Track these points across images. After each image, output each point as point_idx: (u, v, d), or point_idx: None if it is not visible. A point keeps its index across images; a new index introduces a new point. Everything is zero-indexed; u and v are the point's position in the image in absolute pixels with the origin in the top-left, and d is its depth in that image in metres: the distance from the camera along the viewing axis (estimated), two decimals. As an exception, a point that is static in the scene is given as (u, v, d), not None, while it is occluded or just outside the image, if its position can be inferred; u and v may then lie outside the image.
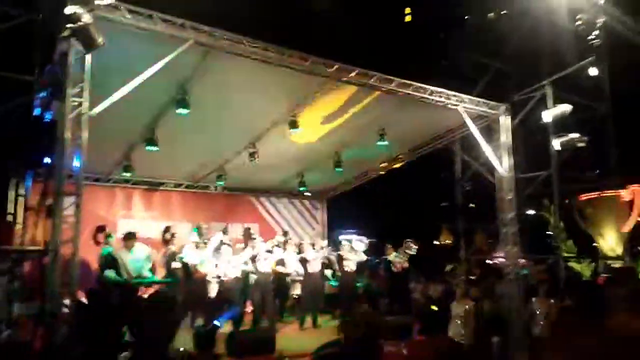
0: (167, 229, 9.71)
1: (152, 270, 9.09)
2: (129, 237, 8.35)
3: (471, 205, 13.87)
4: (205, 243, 9.17)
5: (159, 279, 9.05)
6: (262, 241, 9.94)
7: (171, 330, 3.55)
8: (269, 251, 9.85)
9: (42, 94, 6.27)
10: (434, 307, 9.35)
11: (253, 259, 9.40)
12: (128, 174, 10.61)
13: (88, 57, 5.59)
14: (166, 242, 9.46)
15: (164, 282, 8.95)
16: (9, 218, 7.59)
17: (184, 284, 8.55)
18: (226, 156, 10.77)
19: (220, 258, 8.93)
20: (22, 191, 7.67)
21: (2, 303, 5.89)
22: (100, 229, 8.79)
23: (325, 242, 12.22)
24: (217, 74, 7.33)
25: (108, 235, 8.64)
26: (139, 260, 8.25)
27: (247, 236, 10.19)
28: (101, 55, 5.69)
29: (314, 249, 10.58)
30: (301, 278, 10.21)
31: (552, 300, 8.01)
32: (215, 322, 6.93)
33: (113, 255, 8.00)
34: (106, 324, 5.63)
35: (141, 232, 10.97)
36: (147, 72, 6.11)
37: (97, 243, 8.61)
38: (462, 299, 7.83)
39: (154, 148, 8.90)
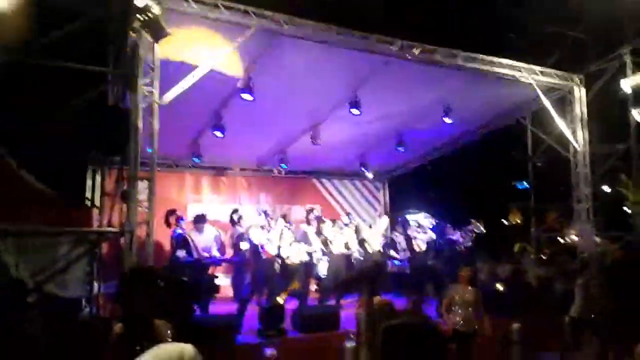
0: (234, 212, 9.98)
1: (221, 250, 9.43)
2: (200, 220, 8.67)
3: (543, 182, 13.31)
4: (270, 225, 9.36)
5: (228, 258, 9.35)
6: (331, 224, 10.04)
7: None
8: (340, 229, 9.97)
9: (116, 85, 6.59)
10: (499, 286, 9.13)
11: (325, 242, 9.53)
12: (197, 160, 10.98)
13: (157, 48, 5.80)
14: (234, 223, 9.74)
15: (231, 261, 9.24)
16: (88, 203, 8.10)
17: (252, 264, 8.76)
18: (289, 140, 10.89)
19: (283, 242, 9.10)
20: (99, 178, 8.14)
21: (83, 282, 6.28)
22: (172, 212, 9.15)
23: (386, 222, 12.12)
24: (280, 59, 7.40)
25: (179, 218, 9.00)
26: (208, 240, 8.56)
27: (318, 220, 10.28)
28: (170, 45, 5.90)
29: (371, 229, 10.58)
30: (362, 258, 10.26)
31: None
32: (278, 299, 7.13)
33: (184, 237, 8.35)
34: (178, 301, 5.90)
35: (209, 214, 11.38)
36: (214, 60, 6.28)
37: (169, 225, 8.99)
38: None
39: (221, 134, 9.14)
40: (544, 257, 13.77)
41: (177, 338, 2.36)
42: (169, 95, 6.04)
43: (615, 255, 11.42)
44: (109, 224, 6.58)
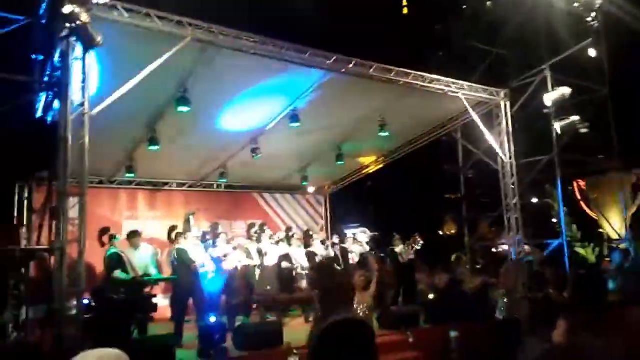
0: (172, 229, 9.71)
1: (159, 269, 9.12)
2: (134, 235, 8.36)
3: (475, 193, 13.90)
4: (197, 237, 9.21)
5: (165, 277, 9.07)
6: (270, 236, 10.00)
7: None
8: (276, 244, 9.90)
9: (43, 96, 6.30)
10: (431, 295, 9.41)
11: (260, 253, 9.44)
12: (131, 175, 10.64)
13: (88, 57, 5.61)
14: (172, 241, 9.46)
15: (170, 280, 8.97)
16: (15, 222, 7.65)
17: (191, 282, 8.52)
18: (228, 154, 10.79)
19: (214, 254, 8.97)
20: (26, 194, 7.71)
21: (10, 307, 5.90)
22: (105, 230, 8.79)
23: (337, 239, 12.24)
24: (216, 71, 7.35)
25: (113, 237, 8.65)
26: (144, 258, 8.27)
27: (260, 229, 10.20)
28: (100, 55, 5.72)
29: (323, 245, 10.61)
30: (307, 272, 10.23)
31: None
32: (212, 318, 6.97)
33: (119, 254, 8.02)
34: (114, 322, 5.66)
35: (146, 232, 11.02)
36: (146, 71, 6.13)
37: (102, 244, 8.62)
38: None
39: (156, 148, 8.92)
40: (478, 266, 14.31)
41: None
42: (100, 107, 5.82)
43: (542, 261, 12.08)
44: (38, 243, 6.23)
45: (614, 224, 12.40)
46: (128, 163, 10.28)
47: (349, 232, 11.86)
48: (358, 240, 11.00)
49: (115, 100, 6.00)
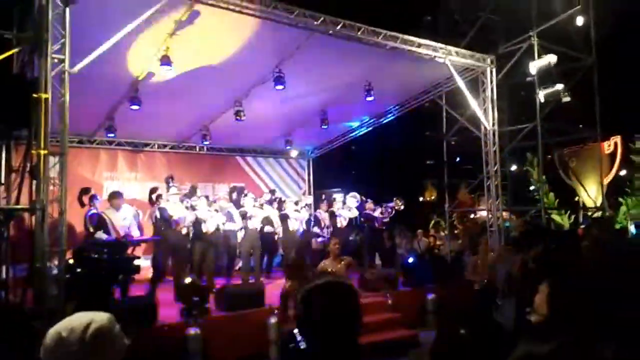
0: (153, 190, 9.63)
1: (141, 230, 9.08)
2: (115, 196, 8.26)
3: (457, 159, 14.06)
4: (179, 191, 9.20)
5: (148, 238, 9.06)
6: (254, 199, 10.02)
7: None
8: (259, 207, 9.94)
9: (23, 52, 6.07)
10: (413, 260, 9.62)
11: (244, 216, 9.47)
12: (112, 135, 10.47)
13: (68, 12, 5.41)
14: (153, 203, 9.41)
15: (152, 241, 8.96)
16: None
17: (165, 237, 8.51)
18: (212, 115, 10.64)
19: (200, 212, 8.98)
20: (4, 153, 7.51)
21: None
22: (85, 190, 8.68)
23: (310, 200, 12.30)
24: (200, 28, 7.14)
25: (94, 197, 8.55)
26: (126, 219, 8.21)
27: (239, 193, 10.21)
28: (82, 11, 5.52)
29: (297, 206, 10.66)
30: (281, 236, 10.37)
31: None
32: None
33: (100, 216, 7.95)
34: (96, 282, 5.66)
35: (126, 193, 10.92)
36: (128, 28, 5.96)
37: (82, 205, 8.53)
38: None
39: (137, 107, 8.76)
40: (456, 232, 14.62)
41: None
42: (82, 64, 5.65)
43: (520, 228, 12.37)
44: (17, 203, 6.13)
45: (590, 192, 12.68)
46: (109, 122, 10.09)
47: (338, 197, 11.92)
48: (347, 204, 11.07)
49: (97, 58, 5.83)
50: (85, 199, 8.55)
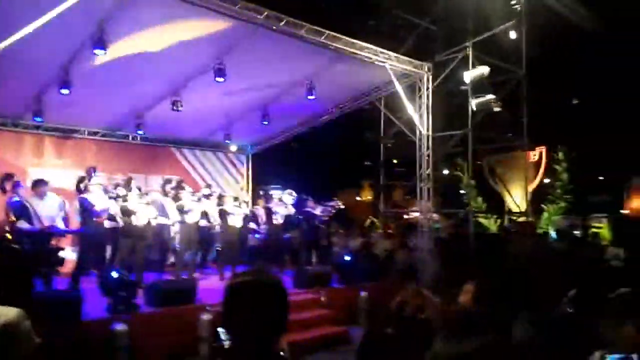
0: (81, 179, 9.20)
1: (66, 220, 8.65)
2: (39, 184, 7.81)
3: (393, 161, 14.40)
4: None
5: (72, 230, 8.65)
6: (191, 192, 9.80)
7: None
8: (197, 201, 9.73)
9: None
10: (347, 258, 9.79)
11: (181, 210, 9.22)
12: (39, 119, 9.89)
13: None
14: (80, 192, 8.99)
15: (76, 232, 8.57)
16: None
17: (88, 229, 8.18)
18: (147, 104, 10.30)
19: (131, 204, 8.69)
20: None
21: None
22: (8, 176, 8.18)
23: (249, 197, 12.22)
24: (138, 13, 6.92)
25: (17, 184, 8.07)
26: (51, 209, 7.79)
27: (177, 187, 9.92)
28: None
29: (235, 202, 10.54)
30: (220, 231, 10.21)
31: None
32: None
33: (23, 204, 7.50)
34: (17, 274, 5.36)
35: (53, 181, 10.37)
36: (60, 7, 5.67)
37: (4, 191, 8.03)
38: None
39: (67, 91, 8.34)
40: (389, 232, 15.00)
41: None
42: (5, 42, 5.32)
43: (449, 229, 12.88)
44: None
45: (516, 198, 13.40)
46: (36, 106, 9.53)
47: (275, 193, 11.87)
48: (284, 201, 11.06)
49: (25, 37, 5.51)
50: (8, 185, 8.06)
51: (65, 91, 8.36)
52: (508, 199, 13.92)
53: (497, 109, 10.49)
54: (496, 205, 15.33)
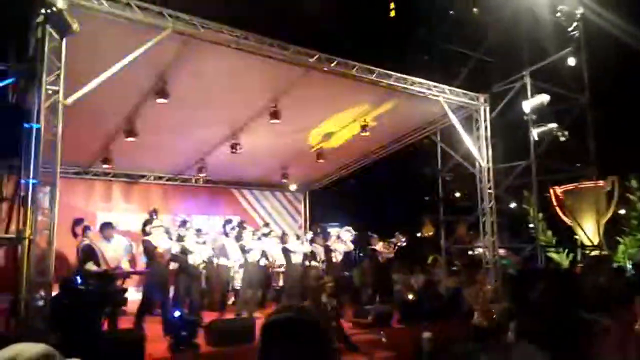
0: (146, 222, 9.59)
1: (132, 262, 9.01)
2: (106, 227, 8.25)
3: (455, 195, 14.03)
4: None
5: (137, 270, 8.97)
6: (252, 232, 9.97)
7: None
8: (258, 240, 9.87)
9: (17, 82, 6.16)
10: (411, 296, 9.47)
11: (243, 249, 9.39)
12: (107, 167, 10.50)
13: (64, 45, 5.51)
14: (145, 234, 9.35)
15: (140, 273, 8.87)
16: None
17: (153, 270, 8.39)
18: (208, 148, 10.69)
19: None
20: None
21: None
22: (78, 221, 8.66)
23: (310, 236, 12.22)
24: (196, 64, 7.27)
25: (86, 228, 8.52)
26: (117, 250, 8.16)
27: (240, 227, 10.12)
28: (78, 43, 5.62)
29: (298, 240, 10.58)
30: (284, 270, 10.23)
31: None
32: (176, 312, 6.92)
33: (91, 246, 7.91)
34: (81, 314, 5.57)
35: (121, 225, 10.91)
36: (124, 61, 6.04)
37: (75, 235, 8.49)
38: None
39: (133, 139, 8.81)
40: (454, 268, 14.45)
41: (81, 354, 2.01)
42: (75, 96, 5.72)
43: (518, 265, 12.23)
44: (7, 232, 6.09)
45: (588, 231, 12.59)
46: (104, 154, 10.14)
47: (333, 230, 11.85)
48: (342, 238, 11.00)
49: (92, 90, 5.90)
50: (79, 230, 8.51)
51: (131, 139, 8.83)
52: (579, 232, 13.11)
53: (562, 139, 10.06)
54: (567, 238, 14.47)
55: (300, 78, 8.03)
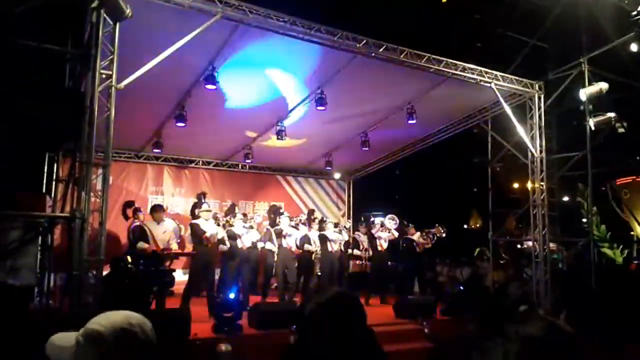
0: (195, 206, 9.81)
1: (181, 244, 9.26)
2: (156, 210, 8.48)
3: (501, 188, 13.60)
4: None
5: (183, 252, 9.19)
6: (289, 217, 10.04)
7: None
8: (294, 227, 9.93)
9: (73, 67, 6.38)
10: (454, 289, 9.33)
11: (279, 234, 9.49)
12: (158, 151, 10.80)
13: (117, 30, 5.65)
14: (195, 217, 9.57)
15: (188, 255, 9.08)
16: (44, 191, 7.80)
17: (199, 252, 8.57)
18: (254, 134, 10.81)
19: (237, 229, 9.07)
20: (54, 164, 7.86)
21: (34, 270, 6.07)
22: (129, 203, 8.95)
23: (350, 223, 12.20)
24: (244, 50, 7.32)
25: (137, 210, 8.80)
26: (166, 232, 8.39)
27: (276, 212, 10.23)
28: (130, 29, 5.75)
29: (336, 228, 10.57)
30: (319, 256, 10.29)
31: None
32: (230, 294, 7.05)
33: (142, 227, 8.17)
34: (130, 292, 5.76)
35: (171, 208, 11.26)
36: (175, 46, 6.15)
37: (127, 217, 8.78)
38: None
39: (183, 124, 9.00)
40: (501, 262, 14.09)
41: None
42: (128, 80, 5.87)
43: (569, 260, 11.81)
44: (62, 212, 6.36)
45: (645, 227, 11.99)
46: (156, 139, 10.42)
47: (377, 219, 11.76)
48: (386, 227, 10.91)
49: (143, 75, 6.04)
50: (129, 212, 8.79)
51: (181, 124, 9.02)
52: (636, 227, 12.49)
53: (621, 130, 9.54)
54: (622, 234, 13.81)
55: (348, 63, 7.94)
